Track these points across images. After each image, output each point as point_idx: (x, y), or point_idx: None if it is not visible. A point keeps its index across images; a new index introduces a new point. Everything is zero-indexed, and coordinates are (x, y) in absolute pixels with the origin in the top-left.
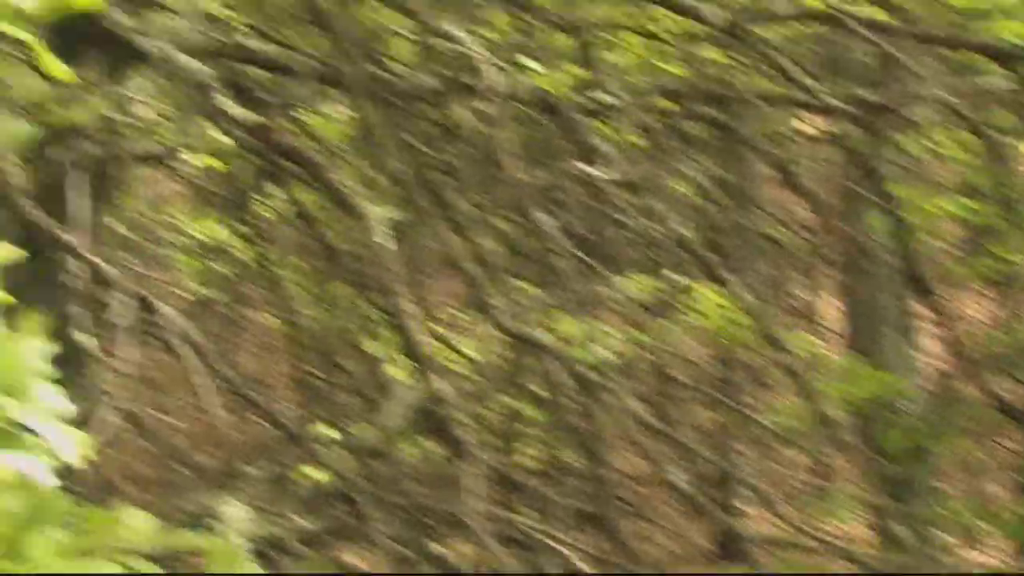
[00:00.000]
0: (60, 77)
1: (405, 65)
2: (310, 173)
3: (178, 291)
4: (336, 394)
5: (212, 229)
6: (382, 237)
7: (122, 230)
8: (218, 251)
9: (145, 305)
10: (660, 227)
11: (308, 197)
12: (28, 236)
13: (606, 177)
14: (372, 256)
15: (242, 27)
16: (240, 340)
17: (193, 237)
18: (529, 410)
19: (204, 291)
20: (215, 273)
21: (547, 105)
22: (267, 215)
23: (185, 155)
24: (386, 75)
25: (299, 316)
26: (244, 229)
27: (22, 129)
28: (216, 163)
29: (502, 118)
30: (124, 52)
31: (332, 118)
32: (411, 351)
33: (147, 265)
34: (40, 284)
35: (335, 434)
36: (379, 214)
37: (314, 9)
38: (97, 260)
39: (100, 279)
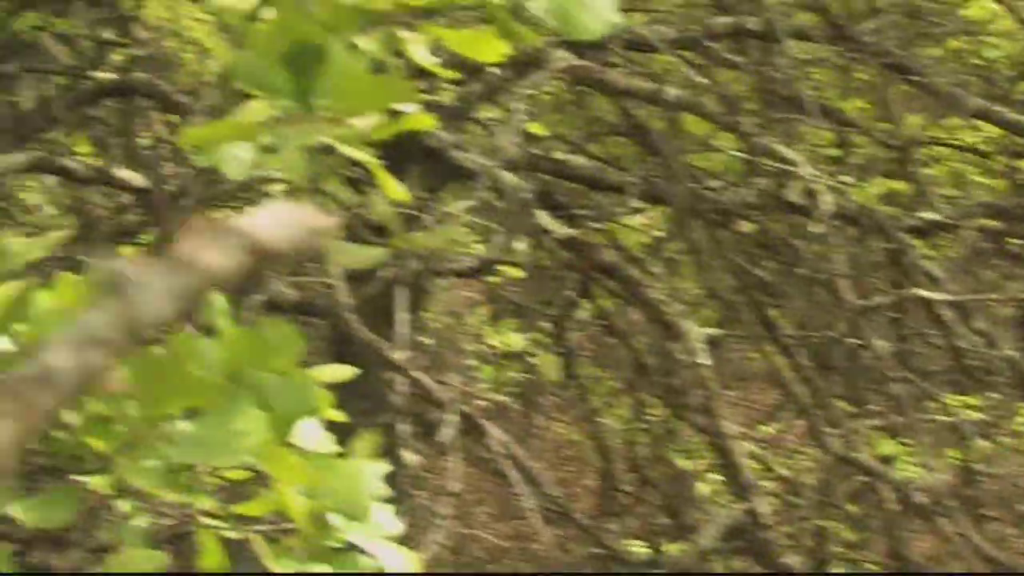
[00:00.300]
0: (398, 198)
1: (718, 179)
2: (623, 287)
3: (480, 400)
4: (642, 509)
5: (513, 339)
6: (703, 357)
7: (429, 341)
8: (518, 360)
9: (466, 420)
10: (987, 347)
11: (612, 304)
12: (343, 349)
13: (938, 298)
14: (688, 373)
15: (553, 140)
16: (535, 450)
17: (493, 346)
18: (844, 530)
19: (503, 399)
20: (515, 382)
21: (871, 223)
22: (573, 326)
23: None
24: (705, 191)
25: (604, 428)
26: (548, 340)
27: (370, 251)
28: (521, 273)
29: (833, 239)
30: (442, 168)
31: (634, 228)
32: (731, 473)
33: (450, 375)
34: (359, 399)
35: (647, 551)
36: (698, 333)
37: (635, 124)
38: (427, 379)
39: (424, 396)
